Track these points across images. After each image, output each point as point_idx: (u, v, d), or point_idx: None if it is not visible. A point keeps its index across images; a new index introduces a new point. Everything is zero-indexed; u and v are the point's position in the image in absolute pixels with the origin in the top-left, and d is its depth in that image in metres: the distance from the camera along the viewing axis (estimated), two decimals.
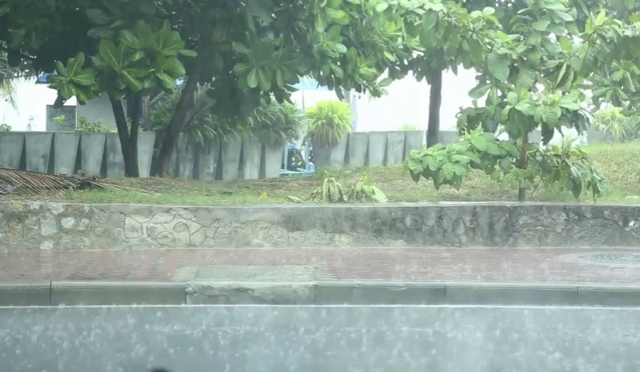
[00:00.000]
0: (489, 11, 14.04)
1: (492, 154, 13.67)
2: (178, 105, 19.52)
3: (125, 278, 10.49)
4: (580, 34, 14.28)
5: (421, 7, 13.58)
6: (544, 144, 14.07)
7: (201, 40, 17.64)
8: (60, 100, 15.79)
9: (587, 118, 13.76)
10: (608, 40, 13.36)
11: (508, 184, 13.89)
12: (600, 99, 17.39)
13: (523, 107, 13.28)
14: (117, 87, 15.42)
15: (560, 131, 13.94)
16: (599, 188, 13.82)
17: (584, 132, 14.65)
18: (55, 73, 15.46)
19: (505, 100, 13.82)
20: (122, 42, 15.15)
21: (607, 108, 23.93)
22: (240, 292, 9.72)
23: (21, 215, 12.44)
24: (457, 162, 13.50)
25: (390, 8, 13.87)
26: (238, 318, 9.19)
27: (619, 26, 13.46)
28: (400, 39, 18.33)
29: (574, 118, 13.52)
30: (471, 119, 14.05)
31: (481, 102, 14.28)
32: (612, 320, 9.37)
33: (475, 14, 13.80)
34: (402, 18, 13.94)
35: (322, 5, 16.29)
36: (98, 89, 15.42)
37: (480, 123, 14.05)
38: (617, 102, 17.37)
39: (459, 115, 14.23)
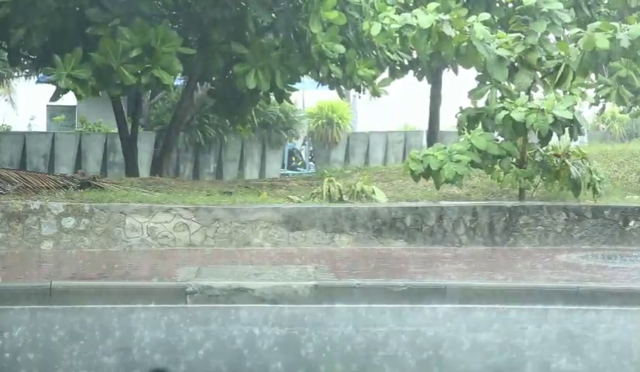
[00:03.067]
0: (485, 16, 14.03)
1: (492, 154, 13.67)
2: (178, 105, 19.53)
3: (125, 278, 10.49)
4: (575, 32, 14.23)
5: (415, 17, 13.60)
6: (541, 147, 14.06)
7: (201, 40, 17.64)
8: (58, 93, 15.76)
9: (582, 124, 13.73)
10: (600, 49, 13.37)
11: (508, 184, 13.90)
12: (602, 100, 17.37)
13: (517, 115, 13.28)
14: (113, 82, 15.44)
15: (558, 135, 13.94)
16: (598, 189, 13.82)
17: (579, 136, 14.60)
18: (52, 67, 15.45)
19: (504, 103, 13.79)
20: (119, 38, 15.17)
21: (610, 108, 23.91)
22: (240, 292, 9.72)
23: (21, 215, 12.44)
24: (458, 161, 13.51)
25: (383, 29, 13.93)
26: (238, 318, 9.19)
27: (616, 31, 13.44)
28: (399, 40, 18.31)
29: (569, 124, 13.50)
30: (471, 119, 14.06)
31: (481, 102, 14.28)
32: (612, 320, 9.36)
33: (471, 19, 13.80)
34: (397, 34, 13.97)
35: (315, 5, 16.27)
36: (95, 85, 15.42)
37: (480, 123, 14.04)
38: (621, 101, 17.36)
39: (459, 114, 14.24)
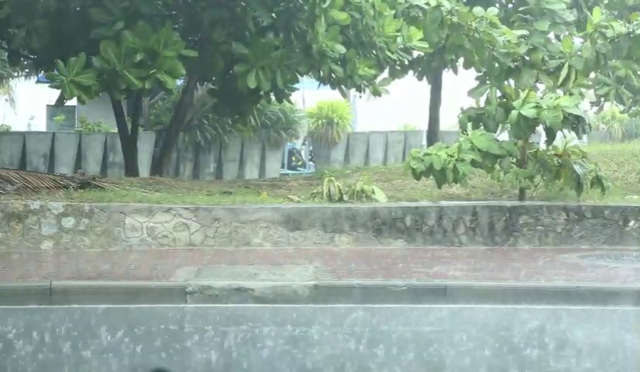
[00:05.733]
0: (492, 11, 14.03)
1: (493, 154, 13.65)
2: (178, 105, 19.53)
3: (125, 278, 10.48)
4: (581, 34, 14.24)
5: (427, 2, 13.56)
6: (547, 146, 14.06)
7: (202, 40, 17.64)
8: (62, 99, 15.79)
9: (588, 121, 13.73)
10: (609, 39, 13.34)
11: (508, 183, 13.88)
12: (602, 99, 17.35)
13: (528, 112, 13.26)
14: (118, 87, 15.42)
15: (563, 133, 13.94)
16: (604, 184, 13.79)
17: (583, 134, 14.60)
18: (56, 72, 15.44)
19: (505, 100, 13.80)
20: (122, 42, 15.16)
21: (610, 107, 23.92)
22: (240, 292, 9.72)
23: (21, 215, 12.44)
24: (462, 160, 13.50)
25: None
26: (238, 318, 9.19)
27: (619, 24, 13.43)
28: (399, 39, 18.34)
29: (575, 121, 13.50)
30: (472, 119, 14.04)
31: (481, 102, 14.27)
32: (612, 320, 9.37)
33: (478, 12, 13.77)
34: (406, 12, 13.92)
35: (324, 5, 16.29)
36: (98, 89, 15.42)
37: (482, 123, 14.02)
38: (620, 101, 17.35)
39: (460, 115, 14.22)
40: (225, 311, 9.38)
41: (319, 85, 19.11)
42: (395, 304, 9.62)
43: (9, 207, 12.44)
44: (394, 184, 15.63)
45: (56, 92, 15.69)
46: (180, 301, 9.64)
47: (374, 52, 18.19)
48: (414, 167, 13.78)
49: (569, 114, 13.29)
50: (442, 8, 13.43)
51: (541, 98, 13.66)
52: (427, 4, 13.54)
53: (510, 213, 13.21)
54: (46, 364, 7.58)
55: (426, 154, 13.84)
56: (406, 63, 19.70)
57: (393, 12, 16.15)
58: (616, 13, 18.44)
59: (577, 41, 14.33)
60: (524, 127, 13.41)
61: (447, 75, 21.37)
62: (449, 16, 13.44)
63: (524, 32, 14.02)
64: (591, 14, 14.06)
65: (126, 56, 15.17)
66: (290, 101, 20.70)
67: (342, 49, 17.02)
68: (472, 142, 13.69)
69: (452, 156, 13.53)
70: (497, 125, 13.87)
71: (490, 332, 8.90)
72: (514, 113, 13.37)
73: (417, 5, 13.69)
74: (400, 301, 9.68)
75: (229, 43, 16.96)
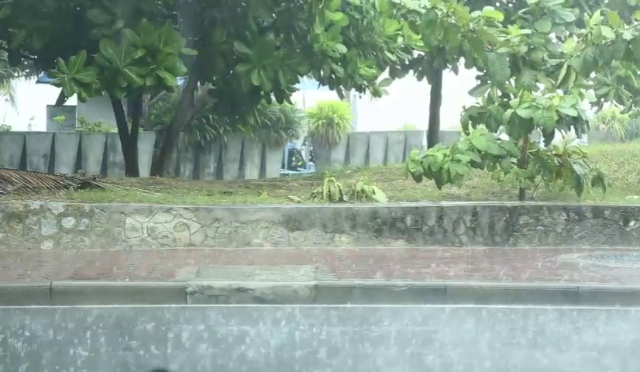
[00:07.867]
0: (489, 10, 14.02)
1: (493, 154, 13.65)
2: (178, 105, 19.54)
3: (125, 278, 10.48)
4: (577, 32, 14.24)
5: (424, 7, 13.59)
6: (545, 146, 14.07)
7: (202, 40, 17.64)
8: (62, 98, 15.78)
9: (586, 121, 13.73)
10: (605, 41, 13.31)
11: (509, 183, 13.88)
12: (602, 100, 17.35)
13: (523, 111, 13.26)
14: (118, 84, 15.41)
15: (562, 133, 13.93)
16: (605, 184, 13.78)
17: (583, 134, 14.60)
18: (56, 70, 15.42)
19: (506, 100, 13.81)
20: (123, 40, 15.15)
21: (609, 107, 23.93)
22: (240, 292, 9.72)
23: (21, 215, 12.44)
24: (459, 161, 13.49)
25: (392, 3, 13.89)
26: (238, 318, 9.19)
27: (619, 26, 13.41)
28: (400, 39, 18.35)
29: (573, 121, 13.49)
30: (474, 119, 14.04)
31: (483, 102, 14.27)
32: (612, 320, 9.36)
33: (475, 14, 13.79)
34: (403, 17, 13.95)
35: (320, 5, 16.30)
36: (99, 87, 15.41)
37: (483, 123, 14.02)
38: (619, 101, 17.36)
39: (462, 113, 14.22)
40: (225, 311, 9.38)
41: (319, 85, 19.12)
42: (395, 304, 9.62)
43: (9, 207, 12.45)
44: (394, 185, 15.64)
45: (57, 92, 15.70)
46: (180, 301, 9.64)
47: (374, 52, 18.21)
48: (413, 170, 13.79)
49: (565, 114, 13.28)
50: (437, 10, 13.43)
51: (539, 98, 13.67)
52: (424, 8, 13.55)
53: (510, 213, 13.21)
54: (46, 364, 7.58)
55: (425, 156, 13.84)
56: (406, 63, 19.71)
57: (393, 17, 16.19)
58: (616, 13, 18.40)
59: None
60: (520, 127, 13.41)
61: (447, 75, 21.35)
62: (445, 18, 13.43)
63: (527, 31, 14.02)
64: (592, 13, 14.07)
65: (127, 54, 15.16)
66: (290, 102, 20.72)
67: (342, 49, 17.05)
68: (471, 143, 13.69)
69: (449, 157, 13.54)
70: (499, 125, 13.87)
71: (490, 332, 8.90)
72: (509, 112, 13.39)
73: (414, 10, 13.72)
74: (400, 301, 9.68)
75: (230, 42, 16.96)
